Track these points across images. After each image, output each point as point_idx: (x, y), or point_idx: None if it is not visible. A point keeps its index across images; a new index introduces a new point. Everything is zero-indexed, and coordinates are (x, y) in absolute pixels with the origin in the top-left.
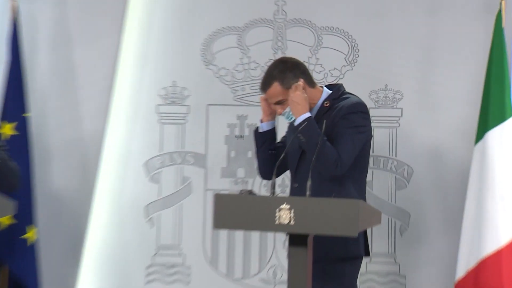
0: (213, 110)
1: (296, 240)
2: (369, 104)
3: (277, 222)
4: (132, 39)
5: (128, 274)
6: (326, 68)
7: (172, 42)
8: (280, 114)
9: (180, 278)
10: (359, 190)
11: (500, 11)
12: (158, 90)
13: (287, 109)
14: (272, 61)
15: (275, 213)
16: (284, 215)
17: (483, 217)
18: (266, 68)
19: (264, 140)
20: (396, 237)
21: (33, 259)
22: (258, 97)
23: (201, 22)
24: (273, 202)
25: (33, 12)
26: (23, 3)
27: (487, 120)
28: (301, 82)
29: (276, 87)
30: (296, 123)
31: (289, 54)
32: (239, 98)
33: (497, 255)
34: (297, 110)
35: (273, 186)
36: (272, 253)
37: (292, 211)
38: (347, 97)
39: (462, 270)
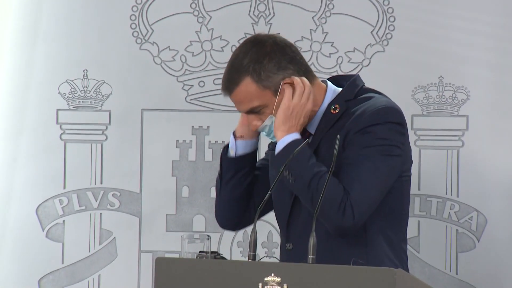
0: (152, 119)
1: None
2: (412, 108)
3: None
4: (12, 1)
5: None
6: (340, 49)
7: (82, 4)
8: (257, 129)
9: None
10: (394, 251)
11: None
12: (58, 85)
13: (268, 121)
14: (246, 38)
15: None
16: None
17: None
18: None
19: (236, 171)
20: None
21: None
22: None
23: None
24: (254, 271)
25: None
26: None
27: None
28: (290, 78)
29: (247, 85)
30: (276, 150)
31: (278, 25)
32: (195, 99)
33: None
34: (285, 119)
35: (253, 245)
36: None
37: (285, 286)
38: (369, 98)
39: None
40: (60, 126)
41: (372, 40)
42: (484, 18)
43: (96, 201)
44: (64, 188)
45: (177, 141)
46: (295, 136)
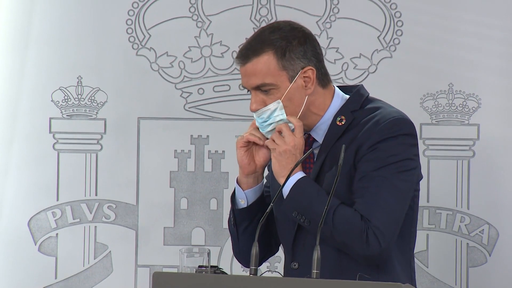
0: (149, 128)
1: None
2: (421, 116)
3: None
4: (3, 4)
5: None
6: (345, 55)
7: (76, 8)
8: (253, 111)
9: None
10: (403, 267)
11: None
12: (51, 93)
13: (273, 106)
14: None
15: None
16: None
17: None
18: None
19: (251, 219)
20: None
21: None
22: (226, 105)
23: None
24: (256, 286)
25: None
26: None
27: None
28: (309, 71)
29: (268, 58)
30: (284, 193)
31: None
32: (194, 107)
33: None
34: (280, 166)
35: (254, 259)
36: None
37: None
38: (377, 108)
39: None
40: (53, 135)
41: (379, 46)
42: (495, 23)
43: (91, 213)
44: (58, 200)
45: (175, 150)
46: (298, 176)
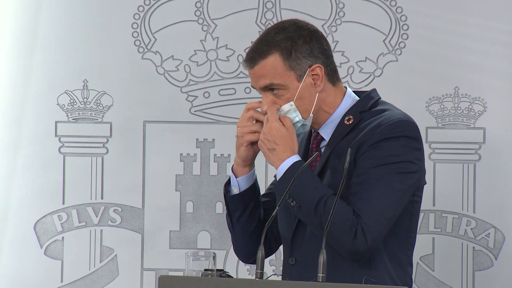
0: (154, 131)
1: None
2: (426, 120)
3: None
4: (9, 7)
5: None
6: (351, 59)
7: (82, 12)
8: (265, 112)
9: None
10: (398, 272)
11: None
12: (57, 96)
13: (286, 108)
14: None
15: None
16: None
17: None
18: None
19: (244, 207)
20: None
21: None
22: (232, 108)
23: None
24: None
25: None
26: None
27: None
28: (317, 69)
29: (274, 60)
30: (277, 176)
31: None
32: (200, 111)
33: None
34: (275, 153)
35: (260, 263)
36: None
37: None
38: (383, 110)
39: None
40: (59, 139)
41: (385, 49)
42: (501, 27)
43: (97, 217)
44: (63, 203)
45: (181, 154)
46: (294, 159)
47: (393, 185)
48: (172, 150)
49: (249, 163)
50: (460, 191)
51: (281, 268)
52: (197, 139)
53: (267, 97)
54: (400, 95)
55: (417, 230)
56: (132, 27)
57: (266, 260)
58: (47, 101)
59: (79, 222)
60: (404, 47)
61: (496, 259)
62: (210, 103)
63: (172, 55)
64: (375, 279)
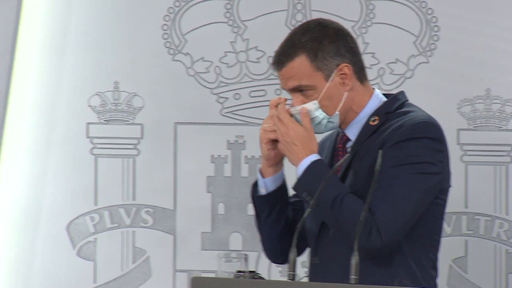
0: (185, 133)
1: None
2: (458, 122)
3: None
4: (40, 10)
5: None
6: (381, 60)
7: (113, 14)
8: (293, 112)
9: None
10: (421, 275)
11: None
12: (88, 98)
13: (311, 107)
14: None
15: None
16: None
17: None
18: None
19: (271, 208)
20: None
21: None
22: (262, 110)
23: None
24: None
25: None
26: None
27: None
28: (345, 68)
29: (301, 62)
30: (297, 175)
31: None
32: (230, 112)
33: None
34: (293, 152)
35: (292, 264)
36: None
37: None
38: (408, 112)
39: None
40: (91, 140)
41: (415, 51)
42: None
43: (129, 218)
44: (96, 204)
45: (212, 155)
46: (313, 158)
47: (411, 185)
48: (203, 152)
49: (274, 163)
50: (493, 193)
51: None
52: (228, 140)
53: (297, 98)
54: (431, 97)
55: (441, 233)
56: (163, 29)
57: (298, 262)
58: (79, 103)
59: (112, 224)
60: (435, 48)
61: None
62: (240, 104)
63: (203, 57)
64: (404, 276)
